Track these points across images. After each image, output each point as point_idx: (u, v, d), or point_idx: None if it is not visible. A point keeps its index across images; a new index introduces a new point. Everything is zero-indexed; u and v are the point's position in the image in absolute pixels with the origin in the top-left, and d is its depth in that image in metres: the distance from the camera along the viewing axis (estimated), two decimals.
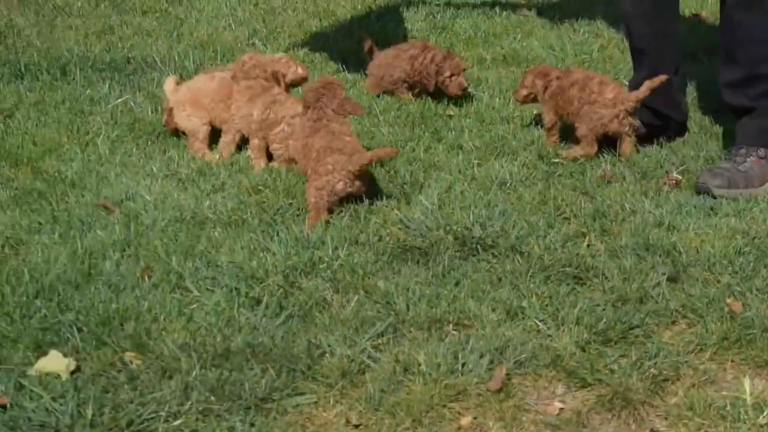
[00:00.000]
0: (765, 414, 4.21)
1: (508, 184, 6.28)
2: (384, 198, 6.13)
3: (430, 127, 7.11)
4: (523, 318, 4.90)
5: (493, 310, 4.96)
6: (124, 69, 8.07)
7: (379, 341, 4.75)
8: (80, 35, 8.82)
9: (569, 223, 5.80)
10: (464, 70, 7.57)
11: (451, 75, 7.50)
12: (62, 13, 9.37)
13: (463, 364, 4.49)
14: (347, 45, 8.65)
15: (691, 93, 7.49)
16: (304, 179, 6.11)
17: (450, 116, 7.28)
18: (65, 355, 4.58)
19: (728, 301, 4.96)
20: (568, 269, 5.27)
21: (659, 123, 6.81)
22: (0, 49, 8.43)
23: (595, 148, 6.65)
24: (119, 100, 7.49)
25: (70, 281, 5.17)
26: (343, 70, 8.19)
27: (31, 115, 7.24)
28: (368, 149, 6.16)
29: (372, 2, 9.77)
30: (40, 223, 5.80)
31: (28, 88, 7.66)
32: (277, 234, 5.66)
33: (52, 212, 5.91)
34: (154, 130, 7.02)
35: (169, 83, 6.86)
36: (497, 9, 9.62)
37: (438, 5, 9.75)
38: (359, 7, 9.80)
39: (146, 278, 5.22)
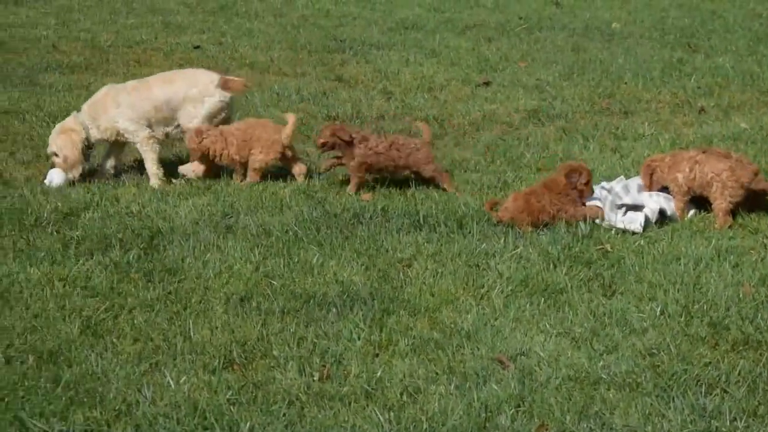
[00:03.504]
0: None
1: None
2: None
3: None
4: None
5: None
6: None
7: None
8: (476, 189, 9.06)
9: None
10: None
11: None
12: (459, 168, 9.67)
13: None
14: None
15: None
16: (699, 344, 6.04)
17: None
18: None
19: None
20: None
21: None
22: (400, 199, 8.72)
23: None
24: (511, 253, 7.62)
25: None
26: None
27: (429, 266, 7.45)
28: None
29: None
30: (436, 373, 5.94)
31: (426, 239, 7.90)
32: (673, 400, 5.55)
33: (449, 363, 6.04)
34: (546, 287, 7.07)
35: None
36: None
37: None
38: None
39: None
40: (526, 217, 8.10)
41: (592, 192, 8.36)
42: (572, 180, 8.27)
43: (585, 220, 8.17)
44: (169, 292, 6.96)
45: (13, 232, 7.83)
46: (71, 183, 9.04)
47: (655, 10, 18.88)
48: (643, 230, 8.09)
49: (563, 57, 14.67)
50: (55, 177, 9.04)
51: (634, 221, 8.14)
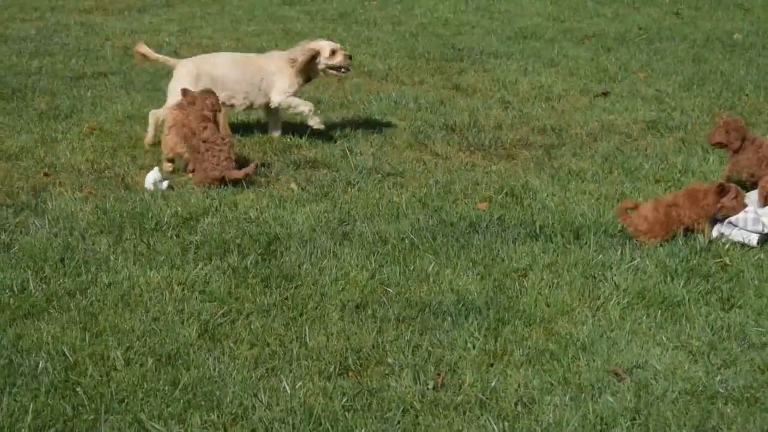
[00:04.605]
0: None
1: None
2: None
3: None
4: None
5: None
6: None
7: None
8: (593, 200, 8.99)
9: None
10: None
11: None
12: (576, 178, 9.61)
13: None
14: None
15: None
16: None
17: None
18: None
19: None
20: None
21: None
22: (517, 209, 8.74)
23: None
24: (628, 265, 7.55)
25: None
26: None
27: (545, 276, 7.43)
28: None
29: None
30: (551, 384, 5.92)
31: (542, 249, 7.87)
32: None
33: (564, 374, 6.02)
34: (664, 299, 7.01)
35: None
36: None
37: None
38: None
39: None
40: (662, 231, 8.01)
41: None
42: (724, 197, 8.12)
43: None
44: (286, 298, 7.03)
45: (133, 236, 7.98)
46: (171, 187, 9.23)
47: None
48: (761, 245, 7.95)
49: (683, 68, 14.49)
50: (149, 178, 9.24)
51: (752, 235, 8.00)
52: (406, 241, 7.94)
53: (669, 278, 7.35)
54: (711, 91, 13.08)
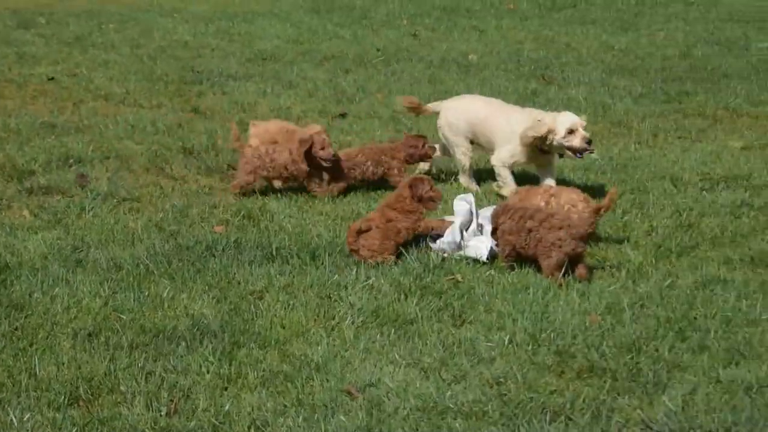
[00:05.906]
0: None
1: (755, 390, 6.11)
2: (626, 396, 6.05)
3: (674, 326, 6.99)
4: None
5: None
6: None
7: None
8: (330, 221, 9.09)
9: None
10: None
11: None
12: (313, 200, 9.69)
13: None
14: None
15: None
16: (545, 372, 6.14)
17: (695, 318, 7.14)
18: None
19: None
20: None
21: None
22: (254, 231, 8.75)
23: None
24: (363, 284, 7.66)
25: None
26: None
27: (280, 298, 7.45)
28: None
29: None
30: (285, 406, 5.94)
31: (279, 271, 7.90)
32: (518, 428, 5.65)
33: (298, 395, 6.05)
34: (397, 317, 7.13)
35: None
36: (745, 209, 9.46)
37: (685, 200, 9.68)
38: None
39: None
40: (392, 246, 8.18)
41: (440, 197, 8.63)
42: (417, 191, 8.36)
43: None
44: (16, 328, 6.84)
45: None
46: None
47: (511, 42, 19.20)
48: (492, 260, 8.20)
49: (420, 88, 14.80)
50: None
51: (480, 249, 8.24)
52: (141, 267, 7.85)
53: (403, 296, 7.48)
54: None
